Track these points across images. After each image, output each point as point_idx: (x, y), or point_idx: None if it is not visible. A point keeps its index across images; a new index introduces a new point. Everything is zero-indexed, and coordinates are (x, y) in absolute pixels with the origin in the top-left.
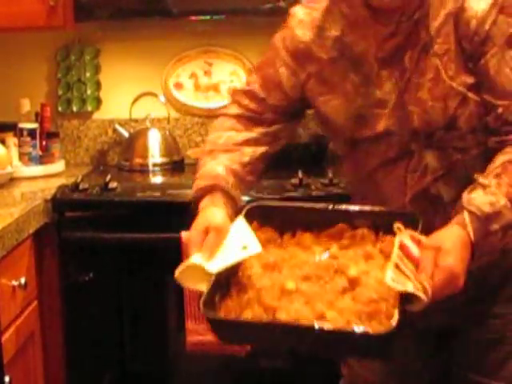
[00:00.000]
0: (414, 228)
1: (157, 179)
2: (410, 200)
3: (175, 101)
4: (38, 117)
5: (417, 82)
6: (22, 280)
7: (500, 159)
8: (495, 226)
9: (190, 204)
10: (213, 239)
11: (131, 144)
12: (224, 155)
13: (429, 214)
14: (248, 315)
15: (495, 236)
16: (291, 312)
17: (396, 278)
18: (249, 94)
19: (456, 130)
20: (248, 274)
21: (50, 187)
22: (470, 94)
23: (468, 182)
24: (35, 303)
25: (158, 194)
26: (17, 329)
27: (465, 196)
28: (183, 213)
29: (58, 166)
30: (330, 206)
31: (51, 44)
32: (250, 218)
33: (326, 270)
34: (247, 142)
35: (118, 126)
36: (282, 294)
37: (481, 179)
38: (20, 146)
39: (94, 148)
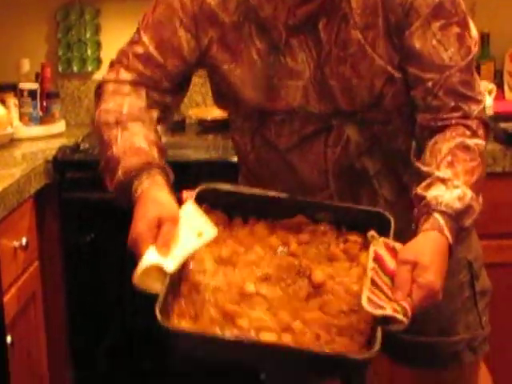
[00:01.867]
0: (385, 228)
1: None
2: (333, 176)
3: None
4: (39, 77)
5: (337, 55)
6: (24, 241)
7: (446, 147)
8: (468, 221)
9: (116, 189)
10: (168, 233)
11: None
12: (135, 124)
13: (354, 189)
14: (205, 320)
15: (468, 230)
16: (253, 320)
17: (373, 298)
18: (143, 57)
19: (381, 107)
20: (200, 269)
21: (51, 148)
22: (397, 74)
23: (392, 153)
24: (36, 264)
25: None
26: (18, 289)
27: (425, 194)
28: (184, 172)
29: (59, 126)
30: (288, 196)
31: (51, 4)
32: (199, 201)
33: (288, 271)
34: (150, 106)
35: None
36: (240, 297)
37: (437, 173)
38: (20, 106)
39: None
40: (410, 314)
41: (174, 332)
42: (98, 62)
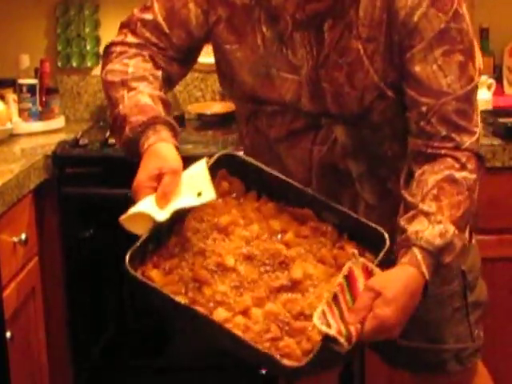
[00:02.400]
0: (379, 247)
1: None
2: (315, 174)
3: None
4: (38, 72)
5: (335, 61)
6: (23, 236)
7: (432, 179)
8: (448, 259)
9: (125, 145)
10: (168, 184)
11: None
12: (140, 83)
13: (336, 190)
14: (175, 277)
15: (448, 268)
16: (217, 293)
17: (327, 313)
18: (150, 25)
19: (369, 119)
20: (193, 227)
21: (50, 143)
22: (390, 93)
23: (377, 158)
24: (36, 259)
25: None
26: (18, 285)
27: (407, 227)
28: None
29: (58, 121)
30: (305, 188)
31: None
32: (219, 165)
33: (273, 257)
34: (155, 66)
35: None
36: (217, 267)
37: (421, 205)
38: (19, 101)
39: (94, 104)
40: (353, 340)
41: (131, 277)
42: (97, 57)
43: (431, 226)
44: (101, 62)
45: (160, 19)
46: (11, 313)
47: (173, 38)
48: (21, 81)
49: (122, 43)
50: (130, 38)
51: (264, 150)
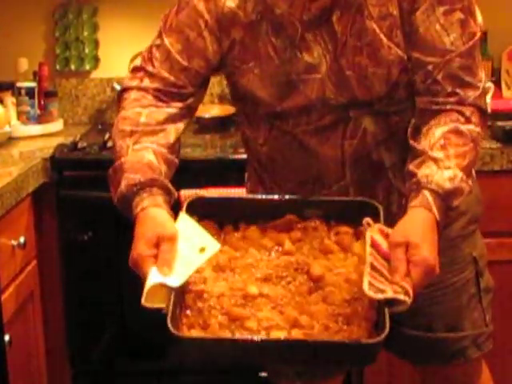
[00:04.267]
0: (375, 217)
1: None
2: (349, 167)
3: None
4: (36, 76)
5: (354, 46)
6: (21, 239)
7: (439, 131)
8: (456, 202)
9: (118, 200)
10: (168, 252)
11: None
12: (149, 138)
13: (370, 181)
14: (214, 327)
15: (455, 210)
16: (261, 321)
17: (374, 282)
18: (167, 64)
19: (396, 96)
20: (200, 279)
21: (49, 146)
22: (409, 63)
23: (408, 146)
24: (34, 262)
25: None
26: (16, 288)
27: (417, 171)
28: (182, 171)
29: (57, 125)
30: (275, 196)
31: (49, 2)
32: (189, 212)
33: (286, 269)
34: (169, 120)
35: (116, 85)
36: (245, 300)
37: (430, 152)
38: (18, 105)
39: (93, 107)
40: (411, 293)
41: (189, 340)
42: (96, 60)
43: (440, 171)
44: (116, 104)
45: (175, 54)
46: (10, 316)
47: (192, 69)
48: (19, 84)
49: (138, 89)
50: (146, 83)
51: (289, 151)
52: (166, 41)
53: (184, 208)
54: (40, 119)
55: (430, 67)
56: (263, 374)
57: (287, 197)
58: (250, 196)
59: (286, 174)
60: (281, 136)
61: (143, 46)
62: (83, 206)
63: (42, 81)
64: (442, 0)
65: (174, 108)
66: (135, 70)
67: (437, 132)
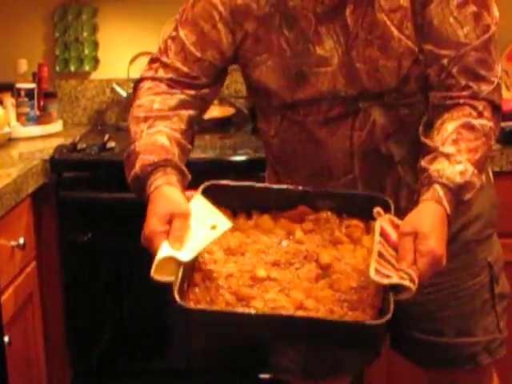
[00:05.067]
0: (386, 211)
1: None
2: (358, 160)
3: None
4: (36, 77)
5: (365, 39)
6: (21, 240)
7: (451, 125)
8: (468, 196)
9: (132, 182)
10: (180, 228)
11: (129, 104)
12: (162, 122)
13: (378, 174)
14: (221, 304)
15: (467, 204)
16: (268, 301)
17: (380, 269)
18: (181, 55)
19: (406, 89)
20: (210, 259)
21: (48, 147)
22: (421, 56)
23: (418, 141)
24: (34, 263)
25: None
26: (15, 289)
27: (429, 166)
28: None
29: (56, 126)
30: (289, 187)
31: (48, 3)
32: (205, 196)
33: (295, 256)
34: (182, 106)
35: (115, 86)
36: (253, 281)
37: (441, 148)
38: (18, 106)
39: (92, 108)
40: (416, 280)
41: (194, 311)
42: (96, 61)
43: (452, 166)
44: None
45: (189, 46)
46: (9, 317)
47: (206, 60)
48: (19, 85)
49: (153, 79)
50: (161, 73)
51: (299, 143)
52: (181, 32)
53: (199, 191)
54: (39, 120)
55: (444, 61)
56: (263, 376)
57: (300, 188)
58: (264, 185)
59: (297, 166)
60: (291, 127)
61: (143, 47)
62: (83, 207)
63: (41, 82)
64: None
65: (187, 95)
66: (151, 61)
67: (449, 126)
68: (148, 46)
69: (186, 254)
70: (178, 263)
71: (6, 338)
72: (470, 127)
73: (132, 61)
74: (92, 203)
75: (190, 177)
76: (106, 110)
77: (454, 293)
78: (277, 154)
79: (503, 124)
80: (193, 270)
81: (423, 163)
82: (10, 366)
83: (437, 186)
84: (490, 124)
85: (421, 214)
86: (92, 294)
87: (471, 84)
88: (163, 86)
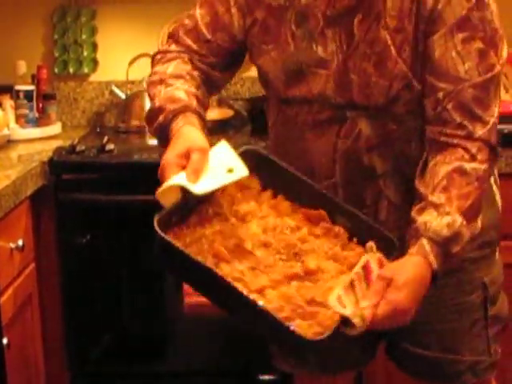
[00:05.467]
0: (389, 253)
1: (153, 141)
2: (340, 167)
3: None
4: (35, 79)
5: (364, 52)
6: (20, 242)
7: (443, 170)
8: (456, 248)
9: (156, 132)
10: (197, 161)
11: (128, 106)
12: (178, 81)
13: (359, 184)
14: (194, 250)
15: (457, 257)
16: (234, 271)
17: (343, 297)
18: (193, 33)
19: (394, 110)
20: (214, 211)
21: (47, 149)
22: (416, 83)
23: (403, 157)
24: (33, 265)
25: (154, 155)
26: (14, 291)
27: (417, 218)
28: None
29: (55, 128)
30: (319, 188)
31: (47, 5)
32: (242, 158)
33: (287, 247)
34: (195, 70)
35: (114, 88)
36: (236, 249)
37: (430, 197)
38: (16, 108)
39: (91, 110)
40: (367, 323)
41: (162, 238)
42: (94, 63)
43: (440, 217)
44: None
45: (201, 26)
46: (8, 319)
47: (215, 42)
48: (18, 87)
49: (165, 51)
50: (173, 47)
51: (292, 141)
52: (198, 12)
53: (241, 150)
54: (38, 122)
55: (440, 94)
56: (263, 377)
57: (329, 195)
58: (300, 175)
59: (286, 161)
60: (285, 122)
61: (142, 49)
62: (81, 209)
63: (40, 84)
64: (462, 26)
65: (198, 68)
66: (168, 37)
67: (441, 171)
68: (147, 47)
69: (197, 188)
70: (184, 197)
71: (5, 340)
72: (462, 172)
73: (131, 63)
74: (91, 205)
75: (207, 125)
76: (105, 112)
77: (443, 307)
78: (272, 145)
79: (502, 126)
80: (192, 211)
81: (413, 213)
82: (9, 367)
83: (423, 240)
84: (484, 167)
85: (404, 265)
86: (91, 295)
87: (466, 123)
88: (174, 54)
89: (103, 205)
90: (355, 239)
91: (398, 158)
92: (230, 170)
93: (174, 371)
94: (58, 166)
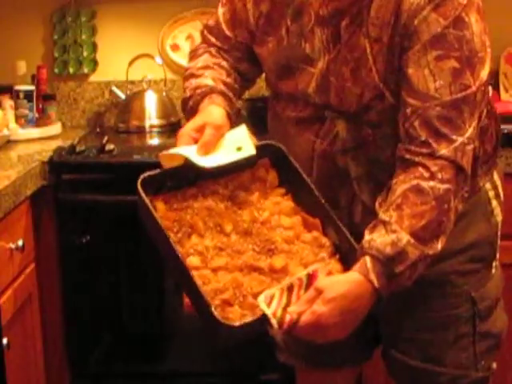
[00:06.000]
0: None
1: (153, 141)
2: (317, 167)
3: (172, 62)
4: (35, 79)
5: (344, 56)
6: (20, 242)
7: (400, 188)
8: (400, 268)
9: (188, 115)
10: (209, 135)
11: (128, 106)
12: (206, 71)
13: (334, 186)
14: (175, 216)
15: (402, 276)
16: (200, 244)
17: (274, 297)
18: (214, 30)
19: (366, 118)
20: (215, 188)
21: (47, 149)
22: (388, 95)
23: (378, 164)
24: (33, 265)
25: (154, 155)
26: (14, 291)
27: (366, 236)
28: None
29: (55, 128)
30: (322, 199)
31: (47, 5)
32: (264, 152)
33: (266, 242)
34: (222, 61)
35: (114, 88)
36: (214, 226)
37: (381, 215)
38: (16, 108)
39: (91, 110)
40: (284, 326)
41: (140, 198)
42: (94, 63)
43: (386, 235)
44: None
45: (222, 23)
46: (8, 319)
47: (235, 39)
48: (17, 87)
49: (195, 49)
50: (201, 45)
51: (279, 136)
52: (220, 10)
53: (263, 143)
54: (38, 122)
55: (408, 110)
56: (263, 377)
57: (328, 206)
58: (309, 181)
59: None
60: (273, 117)
61: (141, 49)
62: (81, 209)
63: (40, 84)
64: (437, 44)
65: (227, 61)
66: (200, 35)
67: (398, 189)
68: (147, 48)
69: (202, 161)
70: (185, 166)
71: (5, 340)
72: (418, 190)
73: (131, 63)
74: (91, 205)
75: (236, 104)
76: (105, 112)
77: (427, 318)
78: (269, 134)
79: (502, 126)
80: (193, 184)
81: (365, 231)
82: (9, 368)
83: (366, 258)
84: (445, 186)
85: (338, 280)
86: (91, 296)
87: (430, 141)
88: (201, 50)
89: (103, 205)
90: (337, 256)
91: (372, 163)
92: (239, 149)
93: (174, 371)
94: (58, 166)
